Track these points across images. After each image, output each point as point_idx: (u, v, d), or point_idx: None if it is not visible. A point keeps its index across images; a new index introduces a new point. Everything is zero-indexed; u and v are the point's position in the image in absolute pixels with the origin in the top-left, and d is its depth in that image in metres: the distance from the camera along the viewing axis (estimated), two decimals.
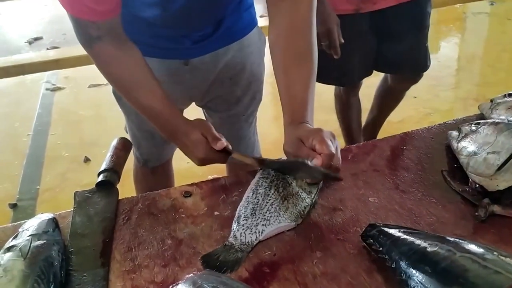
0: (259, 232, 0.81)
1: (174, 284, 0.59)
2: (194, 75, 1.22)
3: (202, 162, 0.99)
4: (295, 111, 0.96)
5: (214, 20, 1.14)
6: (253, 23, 1.27)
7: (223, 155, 0.98)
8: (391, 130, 2.42)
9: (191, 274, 0.61)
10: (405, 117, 2.89)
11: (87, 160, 2.61)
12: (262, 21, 1.30)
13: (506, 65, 3.59)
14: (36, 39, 4.76)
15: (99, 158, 2.60)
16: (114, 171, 0.97)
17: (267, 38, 1.06)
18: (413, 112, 2.96)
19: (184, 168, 2.34)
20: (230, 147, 0.98)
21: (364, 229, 0.79)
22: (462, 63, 3.78)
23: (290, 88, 0.96)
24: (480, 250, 0.59)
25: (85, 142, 2.81)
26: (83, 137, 2.87)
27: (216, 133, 0.98)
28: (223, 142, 0.96)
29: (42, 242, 0.73)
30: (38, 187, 2.42)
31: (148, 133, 1.35)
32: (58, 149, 2.76)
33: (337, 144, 0.88)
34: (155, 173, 1.50)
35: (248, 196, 0.88)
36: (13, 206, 2.24)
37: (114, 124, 2.93)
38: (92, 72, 4.24)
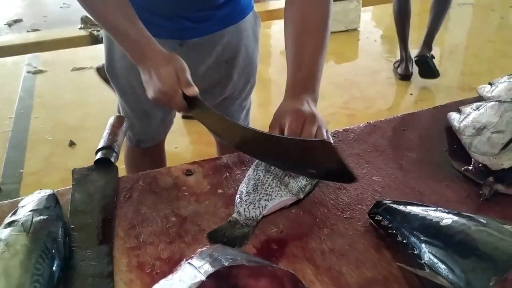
0: (262, 207, 0.80)
1: (187, 258, 0.58)
2: (190, 57, 1.20)
3: (159, 97, 0.92)
4: (297, 81, 0.94)
5: (213, 2, 1.12)
6: (250, 6, 1.26)
7: (184, 104, 0.91)
8: (380, 117, 2.42)
9: (204, 248, 0.60)
10: (393, 105, 2.92)
11: (72, 144, 2.56)
12: (257, 6, 1.29)
13: (489, 55, 3.64)
14: (16, 21, 4.64)
15: (85, 142, 2.57)
16: (112, 148, 0.94)
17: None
18: (401, 100, 2.99)
19: (172, 153, 2.32)
20: (199, 97, 0.91)
21: (370, 207, 0.79)
22: (447, 53, 3.82)
23: (296, 58, 0.94)
24: (495, 224, 0.59)
25: (70, 126, 2.76)
26: (67, 121, 2.81)
27: (190, 77, 0.91)
28: (196, 90, 0.90)
29: (44, 217, 0.71)
30: (21, 170, 2.37)
31: (143, 112, 1.33)
32: (42, 133, 2.70)
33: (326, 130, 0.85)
34: (148, 154, 1.47)
35: (249, 174, 0.88)
36: None
37: (99, 108, 2.89)
38: (73, 55, 4.15)
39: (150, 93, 0.94)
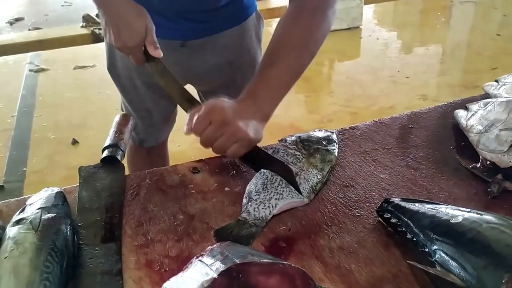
0: (272, 206, 0.79)
1: (198, 255, 0.58)
2: (191, 58, 1.19)
3: (121, 48, 0.93)
4: (250, 91, 0.90)
5: (216, 3, 1.11)
6: (253, 6, 1.24)
7: (143, 59, 0.94)
8: (382, 115, 2.42)
9: (215, 245, 0.60)
10: (396, 103, 2.91)
11: (75, 142, 2.56)
12: (258, 4, 1.27)
13: (492, 53, 3.64)
14: (18, 19, 4.63)
15: (87, 140, 2.57)
16: (119, 146, 0.94)
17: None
18: (404, 98, 2.98)
19: (176, 151, 2.32)
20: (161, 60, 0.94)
21: (379, 204, 0.79)
22: (450, 51, 3.82)
23: (260, 74, 0.93)
24: (506, 221, 0.59)
25: (72, 124, 2.75)
26: (70, 119, 2.81)
27: (155, 36, 0.92)
28: (161, 53, 0.92)
29: (52, 215, 0.71)
30: (24, 169, 2.36)
31: (146, 112, 1.32)
32: (44, 131, 2.69)
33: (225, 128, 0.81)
34: (151, 154, 1.47)
35: (256, 175, 0.87)
36: (0, 188, 2.19)
37: (102, 107, 2.89)
38: (75, 54, 4.15)
39: (112, 40, 0.93)
